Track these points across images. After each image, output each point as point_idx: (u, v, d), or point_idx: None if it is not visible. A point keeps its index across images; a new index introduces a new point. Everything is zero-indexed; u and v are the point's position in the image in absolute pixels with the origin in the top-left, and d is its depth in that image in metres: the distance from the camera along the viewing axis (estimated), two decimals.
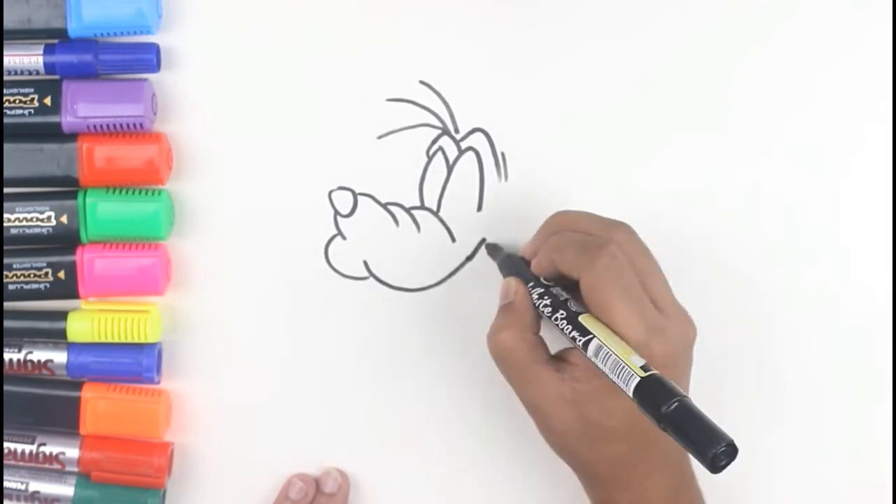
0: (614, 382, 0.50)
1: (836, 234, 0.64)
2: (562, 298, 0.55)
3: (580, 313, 0.54)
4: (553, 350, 0.56)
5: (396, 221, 0.64)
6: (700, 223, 0.64)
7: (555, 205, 0.63)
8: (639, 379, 0.49)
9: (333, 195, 0.63)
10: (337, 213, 0.63)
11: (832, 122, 0.63)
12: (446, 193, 0.63)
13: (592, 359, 0.52)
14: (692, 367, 0.56)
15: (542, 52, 0.63)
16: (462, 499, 0.65)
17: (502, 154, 0.63)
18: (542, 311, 0.56)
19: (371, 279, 0.64)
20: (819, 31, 0.63)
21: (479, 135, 0.63)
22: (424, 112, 0.63)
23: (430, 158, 0.63)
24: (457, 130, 0.63)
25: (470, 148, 0.63)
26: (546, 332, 0.57)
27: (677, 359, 0.54)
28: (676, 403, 0.47)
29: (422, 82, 0.63)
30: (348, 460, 0.64)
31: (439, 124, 0.63)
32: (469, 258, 0.64)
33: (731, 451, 0.46)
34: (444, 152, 0.63)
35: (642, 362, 0.50)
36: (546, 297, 0.56)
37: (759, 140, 0.63)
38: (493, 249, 0.62)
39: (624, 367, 0.50)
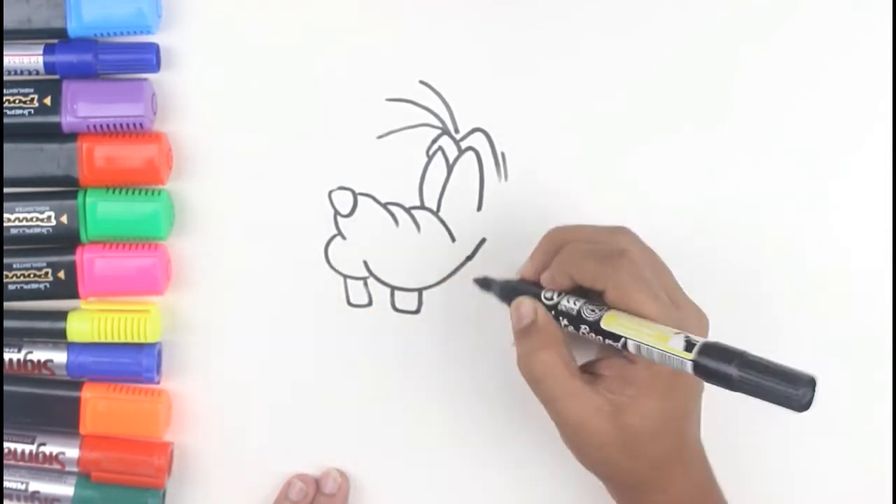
0: (673, 367, 0.50)
1: (837, 233, 0.64)
2: (574, 310, 0.55)
3: (598, 320, 0.54)
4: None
5: (396, 221, 0.64)
6: (700, 223, 0.64)
7: (555, 205, 0.63)
8: (691, 359, 0.49)
9: (333, 195, 0.63)
10: (337, 212, 0.63)
11: (832, 122, 0.63)
12: (446, 193, 0.63)
13: (641, 340, 0.52)
14: None
15: (542, 53, 0.63)
16: (462, 499, 0.65)
17: (502, 154, 0.63)
18: (573, 311, 0.55)
19: (371, 279, 0.64)
20: (819, 31, 0.63)
21: (478, 135, 0.63)
22: (424, 112, 0.63)
23: (430, 158, 0.63)
24: (457, 130, 0.63)
25: (470, 148, 0.63)
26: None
27: None
28: (737, 364, 0.48)
29: (422, 82, 0.63)
30: (348, 460, 0.64)
31: (439, 124, 0.63)
32: (469, 258, 0.64)
33: (812, 386, 0.47)
34: (443, 152, 0.63)
35: (682, 340, 0.50)
36: (564, 303, 0.55)
37: (760, 140, 0.63)
38: (485, 282, 0.61)
39: (669, 354, 0.50)
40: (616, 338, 0.53)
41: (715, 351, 0.49)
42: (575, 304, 0.55)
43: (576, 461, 0.56)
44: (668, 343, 0.50)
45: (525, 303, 0.56)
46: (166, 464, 0.63)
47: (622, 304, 0.53)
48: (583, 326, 0.54)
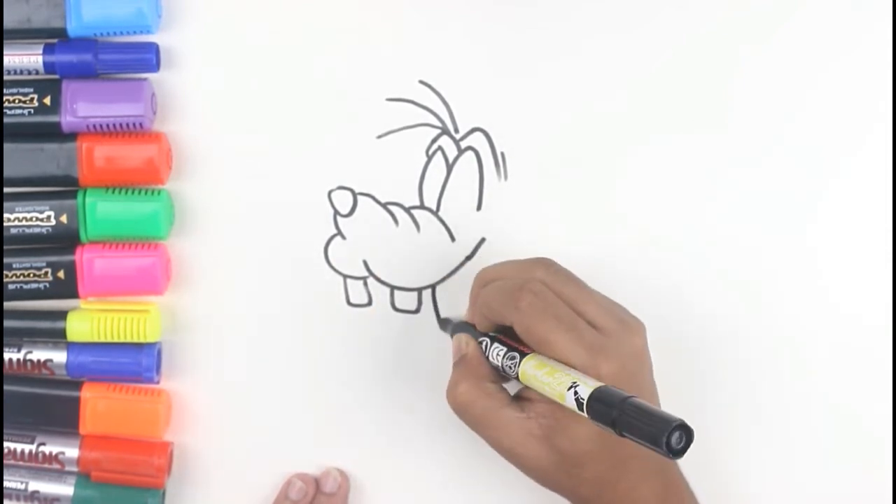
0: (573, 411, 0.50)
1: (837, 233, 0.64)
2: (511, 344, 0.56)
3: (526, 354, 0.54)
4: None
5: (396, 221, 0.64)
6: (700, 222, 0.63)
7: (554, 204, 0.63)
8: (584, 400, 0.49)
9: (333, 195, 0.63)
10: (337, 212, 0.63)
11: (832, 122, 0.63)
12: (446, 193, 0.63)
13: (547, 395, 0.52)
14: (652, 365, 0.56)
15: (542, 52, 0.63)
16: (462, 499, 0.65)
17: (502, 154, 0.63)
18: (497, 362, 0.56)
19: (371, 279, 0.64)
20: (819, 31, 0.63)
21: (478, 134, 0.63)
22: (424, 112, 0.63)
23: (429, 158, 0.63)
24: (456, 130, 0.63)
25: (469, 148, 0.63)
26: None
27: (629, 370, 0.54)
28: (619, 408, 0.48)
29: (422, 82, 0.63)
30: (348, 460, 0.64)
31: (439, 124, 0.63)
32: (469, 258, 0.64)
33: (684, 433, 0.46)
34: (443, 152, 0.63)
35: (587, 383, 0.50)
36: (497, 346, 0.56)
37: (759, 140, 0.63)
38: (444, 323, 0.63)
39: (571, 394, 0.50)
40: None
41: (601, 398, 0.49)
42: (497, 356, 0.56)
43: None
44: (564, 401, 0.51)
45: (461, 338, 0.58)
46: (166, 464, 0.63)
47: (530, 337, 0.54)
48: (508, 360, 0.55)
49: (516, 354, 0.55)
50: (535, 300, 0.54)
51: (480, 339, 0.58)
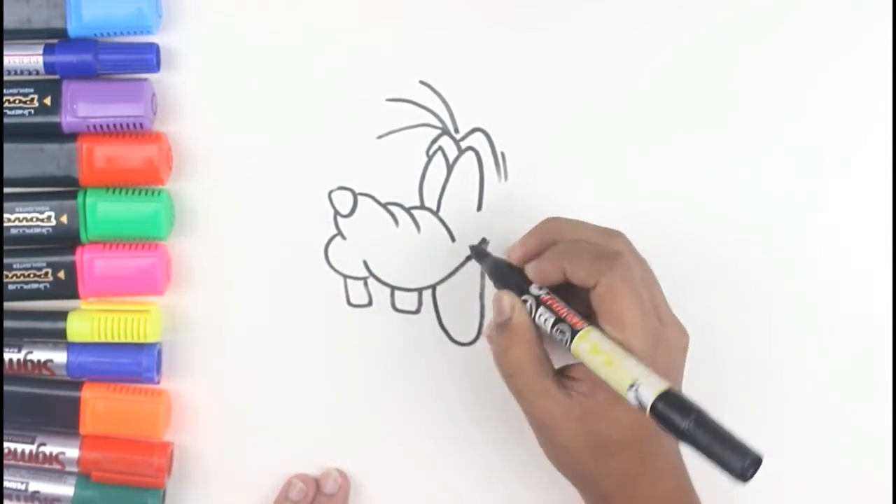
0: (627, 400, 0.50)
1: (836, 233, 0.64)
2: (561, 312, 0.55)
3: (579, 329, 0.54)
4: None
5: (396, 221, 0.64)
6: (700, 223, 0.64)
7: (555, 204, 0.63)
8: (654, 398, 0.49)
9: (333, 195, 0.63)
10: (337, 212, 0.63)
11: (832, 122, 0.63)
12: (446, 193, 0.63)
13: (601, 375, 0.52)
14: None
15: (542, 52, 0.63)
16: (462, 499, 0.65)
17: (502, 154, 0.63)
18: (543, 325, 0.55)
19: (371, 279, 0.64)
20: (819, 31, 0.63)
21: (478, 135, 0.63)
22: (424, 112, 0.63)
23: (429, 158, 0.63)
24: (457, 130, 0.63)
25: (470, 148, 0.63)
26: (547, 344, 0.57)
27: (676, 367, 0.55)
28: (694, 418, 0.48)
29: (422, 82, 0.63)
30: (348, 460, 0.64)
31: (439, 124, 0.63)
32: (469, 258, 0.64)
33: (757, 464, 0.47)
34: (443, 152, 0.63)
35: (648, 381, 0.50)
36: (544, 310, 0.55)
37: (760, 139, 0.63)
38: (479, 252, 0.61)
39: (636, 384, 0.50)
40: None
41: (673, 400, 0.49)
42: (545, 322, 0.55)
43: None
44: (625, 392, 0.50)
45: (504, 299, 0.56)
46: (166, 464, 0.63)
47: (607, 303, 0.53)
48: (559, 327, 0.54)
49: (566, 328, 0.54)
50: (627, 273, 0.53)
51: (523, 298, 0.56)
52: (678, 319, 0.56)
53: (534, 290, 0.56)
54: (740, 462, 0.47)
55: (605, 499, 0.56)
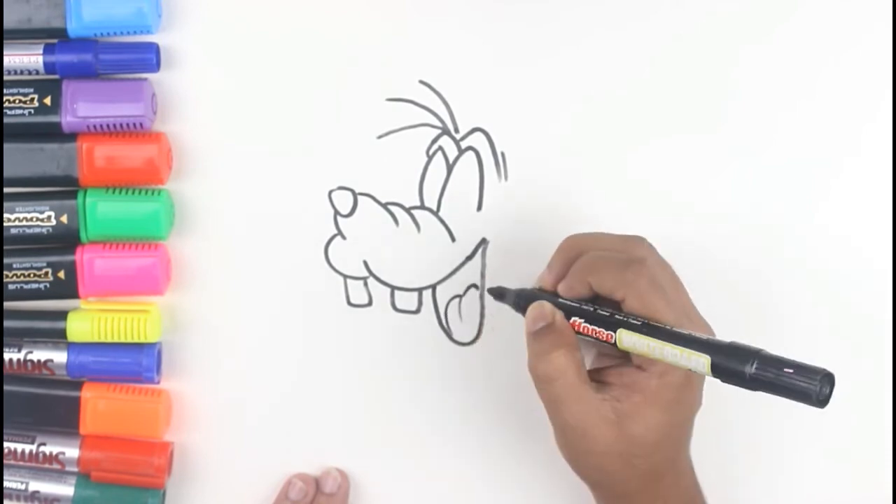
0: (689, 369, 0.51)
1: (836, 233, 0.64)
2: (592, 315, 0.55)
3: (613, 330, 0.54)
4: None
5: (396, 221, 0.64)
6: (700, 221, 0.64)
7: (554, 204, 0.63)
8: (709, 356, 0.50)
9: (333, 195, 0.63)
10: (337, 212, 0.63)
11: (832, 122, 0.63)
12: (446, 193, 0.63)
13: (653, 355, 0.52)
14: None
15: (542, 52, 0.63)
16: (462, 499, 0.65)
17: (502, 154, 0.63)
18: (580, 332, 0.55)
19: (371, 279, 0.64)
20: (819, 31, 0.63)
21: (478, 134, 0.63)
22: (424, 112, 0.63)
23: (429, 158, 0.63)
24: (457, 130, 0.63)
25: (470, 148, 0.63)
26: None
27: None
28: (756, 361, 0.49)
29: (422, 82, 0.63)
30: (348, 460, 0.64)
31: (439, 124, 0.63)
32: (469, 258, 0.64)
33: (829, 380, 0.48)
34: (443, 152, 0.63)
35: (700, 336, 0.51)
36: (578, 317, 0.55)
37: (760, 139, 0.63)
38: (499, 292, 0.60)
39: (685, 353, 0.51)
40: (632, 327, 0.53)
41: (731, 350, 0.50)
42: (590, 312, 0.55)
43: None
44: (680, 361, 0.51)
45: (544, 305, 0.56)
46: (166, 464, 0.63)
47: (641, 312, 0.53)
48: (597, 327, 0.54)
49: (607, 323, 0.54)
50: (654, 279, 0.54)
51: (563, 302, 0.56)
52: (705, 319, 0.56)
53: (567, 303, 0.56)
54: (815, 388, 0.47)
55: (624, 497, 0.56)
